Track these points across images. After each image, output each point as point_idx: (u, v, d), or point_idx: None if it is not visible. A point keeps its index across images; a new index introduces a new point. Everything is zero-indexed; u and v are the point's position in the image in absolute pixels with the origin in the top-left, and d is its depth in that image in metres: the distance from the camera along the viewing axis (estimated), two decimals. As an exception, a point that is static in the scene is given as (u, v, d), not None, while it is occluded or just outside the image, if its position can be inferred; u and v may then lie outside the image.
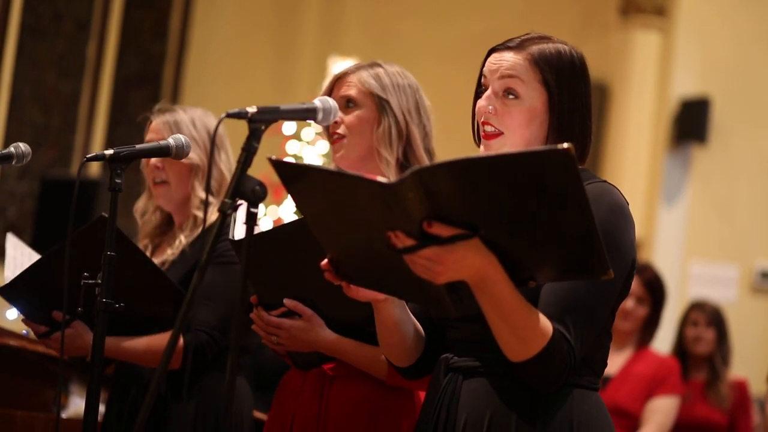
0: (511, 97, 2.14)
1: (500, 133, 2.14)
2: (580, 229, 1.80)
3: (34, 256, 3.04)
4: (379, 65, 2.71)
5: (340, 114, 2.66)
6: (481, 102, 2.17)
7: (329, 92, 2.72)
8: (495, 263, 1.86)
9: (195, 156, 3.06)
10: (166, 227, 3.19)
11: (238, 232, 2.60)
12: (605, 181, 2.12)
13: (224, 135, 3.15)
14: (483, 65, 2.21)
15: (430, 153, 2.71)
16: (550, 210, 1.79)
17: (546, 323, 1.95)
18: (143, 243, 3.16)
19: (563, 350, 1.96)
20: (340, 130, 2.68)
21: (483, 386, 2.08)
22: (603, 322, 2.07)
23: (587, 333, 2.01)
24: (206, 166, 3.08)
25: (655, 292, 4.75)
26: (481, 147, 2.18)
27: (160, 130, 3.08)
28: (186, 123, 3.08)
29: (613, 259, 1.87)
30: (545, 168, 1.75)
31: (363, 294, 2.07)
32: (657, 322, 4.75)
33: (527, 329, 1.93)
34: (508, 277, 1.88)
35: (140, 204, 3.22)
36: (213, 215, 3.04)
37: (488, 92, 2.16)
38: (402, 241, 1.84)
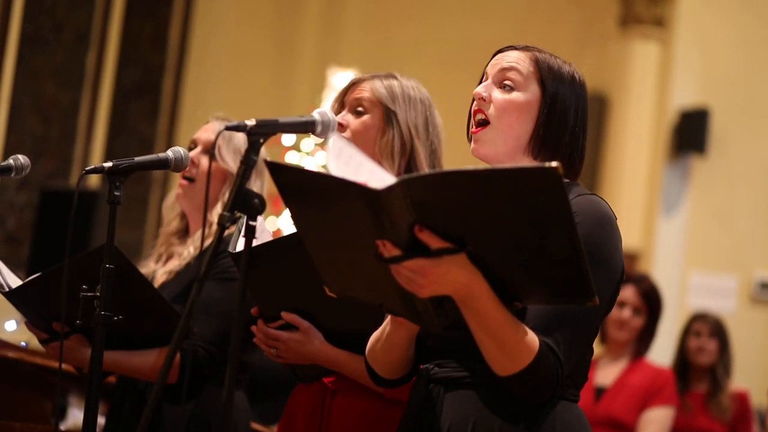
0: (507, 87, 2.18)
1: (488, 123, 2.17)
2: (565, 251, 1.79)
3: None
4: (395, 77, 2.69)
5: (347, 118, 2.66)
6: (477, 89, 2.21)
7: (343, 96, 2.71)
8: (480, 279, 1.85)
9: (234, 166, 3.06)
10: (184, 235, 3.18)
11: (239, 244, 2.60)
12: (594, 194, 2.14)
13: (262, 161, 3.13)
14: (486, 66, 2.24)
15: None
16: (535, 228, 1.78)
17: (532, 337, 1.94)
18: (159, 251, 3.16)
19: (550, 363, 1.95)
20: (346, 134, 2.66)
21: (466, 396, 2.08)
22: (590, 334, 2.08)
23: (575, 346, 2.01)
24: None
25: (652, 302, 4.75)
26: (472, 144, 2.19)
27: (212, 130, 3.13)
28: (238, 135, 3.08)
29: (601, 272, 1.87)
30: (532, 185, 1.75)
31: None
32: (653, 333, 4.75)
33: (514, 344, 1.92)
34: (493, 293, 1.87)
35: (169, 201, 3.22)
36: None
37: (487, 81, 2.21)
38: (389, 250, 1.83)
